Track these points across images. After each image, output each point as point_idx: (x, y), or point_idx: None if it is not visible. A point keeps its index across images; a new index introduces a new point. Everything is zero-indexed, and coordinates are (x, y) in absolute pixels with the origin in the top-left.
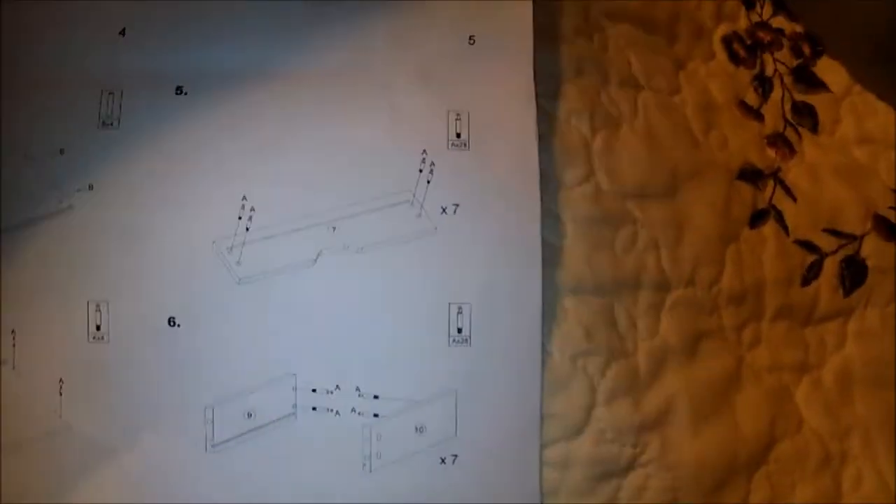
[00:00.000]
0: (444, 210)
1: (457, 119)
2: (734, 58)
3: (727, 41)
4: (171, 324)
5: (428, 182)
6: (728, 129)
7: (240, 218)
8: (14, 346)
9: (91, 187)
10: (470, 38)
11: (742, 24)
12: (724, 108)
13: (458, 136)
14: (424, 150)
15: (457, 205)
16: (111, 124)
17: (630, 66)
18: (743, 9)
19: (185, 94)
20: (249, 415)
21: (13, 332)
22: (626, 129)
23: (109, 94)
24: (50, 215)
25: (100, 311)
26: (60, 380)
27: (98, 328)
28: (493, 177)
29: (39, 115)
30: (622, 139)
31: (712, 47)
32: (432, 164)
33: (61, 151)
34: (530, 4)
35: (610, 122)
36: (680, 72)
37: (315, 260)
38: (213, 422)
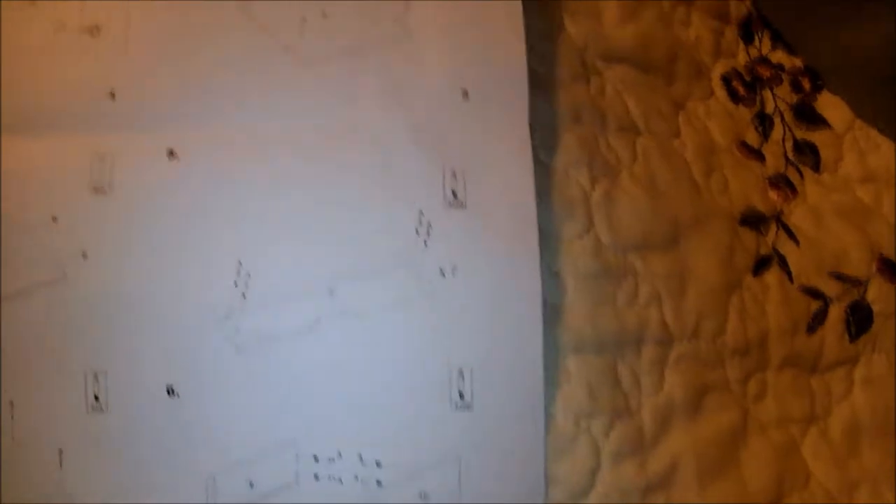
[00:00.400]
0: (442, 272)
1: (453, 177)
2: (734, 96)
3: (726, 79)
4: (171, 393)
5: (425, 244)
6: (729, 172)
7: (236, 284)
8: (13, 417)
9: (85, 255)
10: (463, 92)
11: (741, 59)
12: (724, 149)
13: (455, 194)
14: (420, 211)
15: (455, 266)
16: (103, 190)
17: (628, 109)
18: (741, 43)
19: (177, 157)
20: (251, 484)
21: (11, 402)
22: (626, 178)
23: (101, 158)
24: (44, 284)
25: (98, 380)
26: (60, 451)
27: (97, 398)
28: (491, 236)
29: (31, 184)
30: (622, 189)
31: (711, 85)
32: (429, 224)
33: (54, 219)
34: (524, 53)
35: (609, 171)
36: (679, 113)
37: (314, 326)
38: (214, 491)
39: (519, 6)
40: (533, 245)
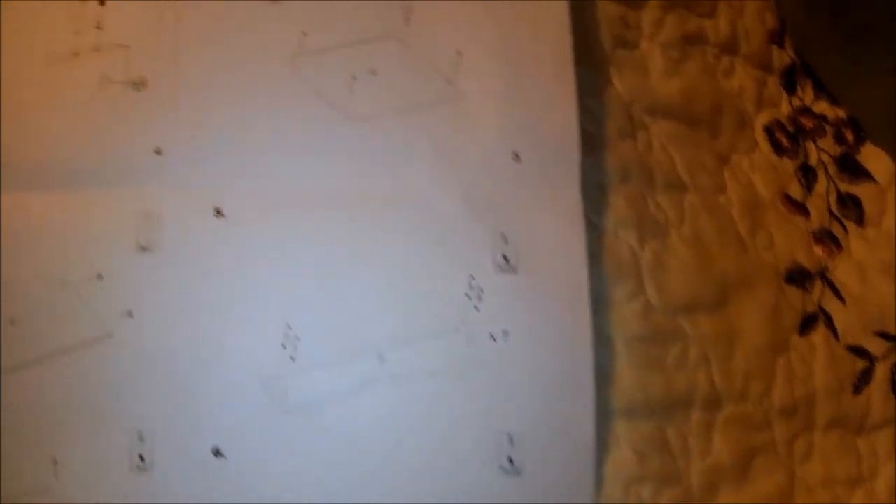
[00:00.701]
0: (493, 337)
1: (504, 241)
2: (777, 147)
3: (769, 130)
4: (217, 454)
5: (476, 308)
6: (774, 228)
7: (284, 346)
8: (55, 474)
9: (130, 314)
10: (515, 155)
11: (784, 109)
12: (769, 203)
13: (506, 259)
14: (471, 275)
15: (506, 331)
16: (149, 248)
17: (675, 165)
18: (784, 93)
19: (224, 216)
20: None
21: (55, 460)
22: (675, 237)
23: (146, 215)
24: (89, 342)
25: (142, 440)
26: None
27: (141, 458)
28: (542, 301)
29: (76, 240)
30: (671, 249)
31: (755, 137)
32: (480, 289)
33: (99, 276)
34: (576, 113)
35: (658, 231)
36: (724, 167)
37: (362, 390)
38: None
39: (570, 64)
40: (584, 310)
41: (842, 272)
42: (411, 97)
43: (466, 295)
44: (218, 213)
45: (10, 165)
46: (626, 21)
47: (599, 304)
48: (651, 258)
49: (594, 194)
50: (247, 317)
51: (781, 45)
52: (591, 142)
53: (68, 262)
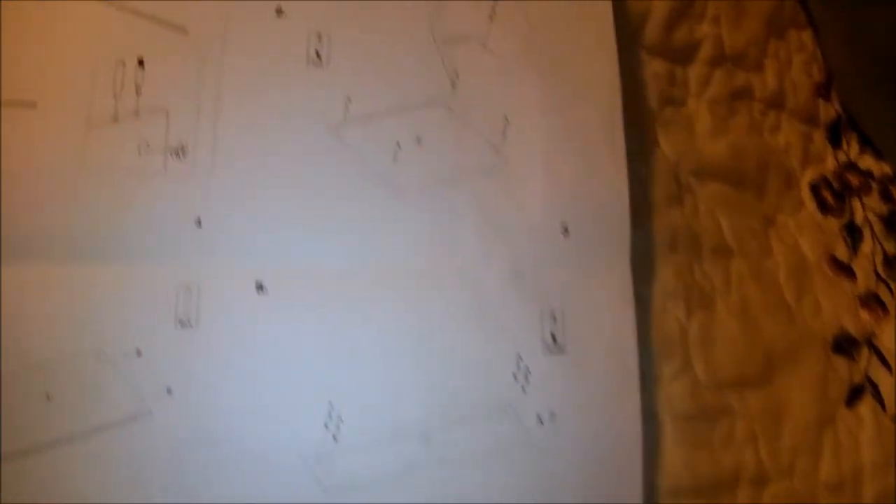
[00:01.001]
0: (540, 419)
1: (552, 319)
2: (822, 206)
3: (815, 188)
4: None
5: (523, 389)
6: (820, 293)
7: (327, 426)
8: None
9: (170, 390)
10: (563, 228)
11: (829, 164)
12: (815, 266)
13: (554, 338)
14: (519, 355)
15: (553, 413)
16: (188, 323)
17: (721, 230)
18: (830, 148)
19: (266, 291)
20: None
21: None
22: (721, 308)
23: (186, 289)
24: (128, 419)
25: None
26: None
27: None
28: (590, 382)
29: (114, 314)
30: (718, 321)
31: (801, 196)
32: (527, 369)
33: (138, 352)
34: (626, 183)
35: (705, 302)
36: (770, 229)
37: (407, 473)
38: None
39: (620, 129)
40: (634, 391)
41: (888, 338)
42: (457, 166)
43: (514, 375)
44: (259, 287)
45: (48, 235)
46: (673, 78)
47: (646, 380)
48: (698, 332)
49: (641, 265)
50: (288, 395)
51: (828, 98)
52: (638, 209)
53: (106, 335)
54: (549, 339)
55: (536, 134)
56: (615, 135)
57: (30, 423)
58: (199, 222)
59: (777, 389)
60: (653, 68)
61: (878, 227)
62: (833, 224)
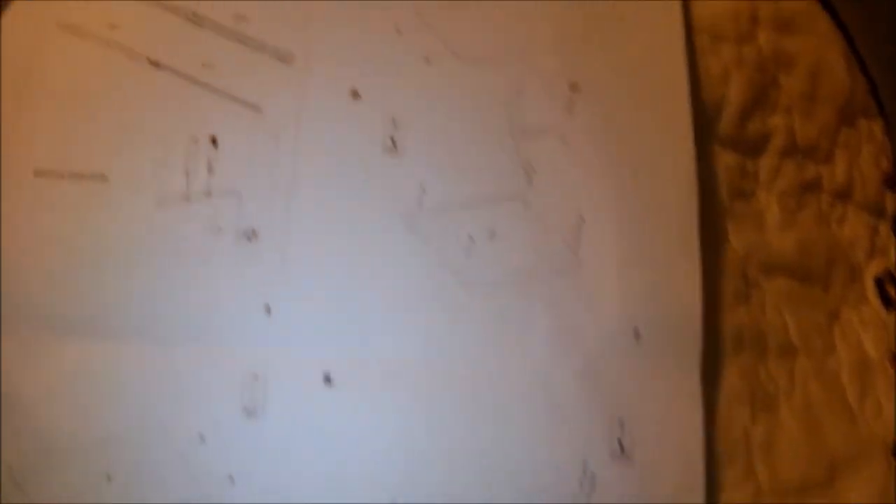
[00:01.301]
0: None
1: (620, 426)
2: (886, 301)
3: (879, 283)
4: None
5: (588, 498)
6: (883, 394)
7: None
8: None
9: (232, 480)
10: (635, 332)
11: (893, 257)
12: (877, 365)
13: (621, 445)
14: (585, 462)
15: None
16: (254, 412)
17: (787, 328)
18: (893, 238)
19: (334, 383)
20: None
21: None
22: (785, 411)
23: (254, 377)
24: None
25: None
26: None
27: None
28: (654, 491)
29: (179, 398)
30: (782, 425)
31: (864, 290)
32: (593, 477)
33: (201, 438)
34: (699, 288)
35: (769, 404)
36: (834, 324)
37: None
38: None
39: (696, 230)
40: (699, 500)
41: None
42: (531, 264)
43: (579, 482)
44: (328, 380)
45: (113, 313)
46: (744, 170)
47: (709, 488)
48: (762, 436)
49: (707, 368)
50: (350, 491)
51: (895, 190)
52: (706, 308)
53: (170, 419)
54: (616, 446)
55: (611, 235)
56: (690, 237)
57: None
58: (268, 309)
59: (839, 494)
60: (724, 161)
61: None
62: None
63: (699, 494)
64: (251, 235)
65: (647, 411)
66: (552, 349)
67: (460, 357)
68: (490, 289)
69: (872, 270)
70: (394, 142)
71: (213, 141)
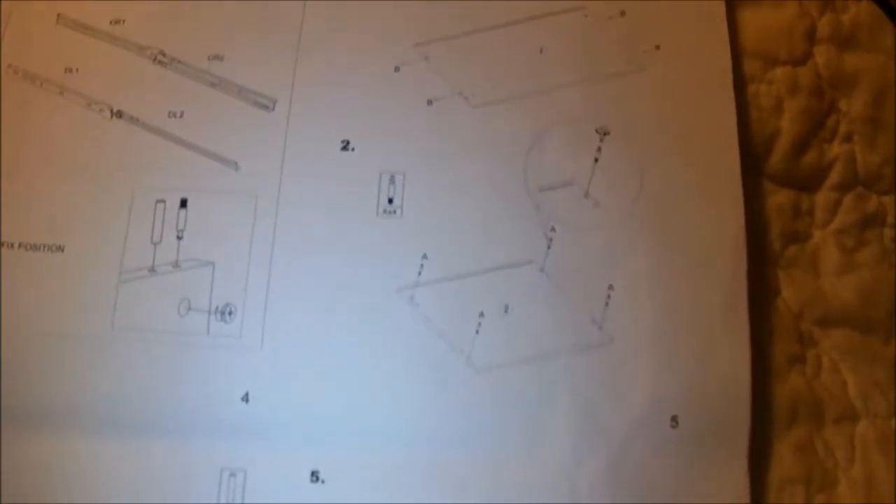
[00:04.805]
0: None
1: None
2: None
3: None
4: None
5: None
6: None
7: None
8: None
9: None
10: (672, 420)
11: None
12: None
13: None
14: None
15: None
16: None
17: (846, 389)
18: None
19: (322, 481)
20: None
21: None
22: (844, 488)
23: (231, 475)
24: None
25: None
26: None
27: None
28: None
29: (147, 497)
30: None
31: None
32: None
33: None
34: (748, 366)
35: (826, 482)
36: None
37: None
38: None
39: (744, 301)
40: None
41: None
42: (550, 342)
43: None
44: (315, 477)
45: (71, 403)
46: (798, 209)
47: None
48: None
49: (755, 449)
50: None
51: None
52: (755, 382)
53: None
54: None
55: (645, 304)
56: (738, 300)
57: None
58: (246, 398)
59: None
60: (776, 200)
61: None
62: None
63: None
64: (226, 314)
65: None
66: (575, 441)
67: (468, 451)
68: (503, 371)
69: None
70: (391, 201)
71: (183, 203)
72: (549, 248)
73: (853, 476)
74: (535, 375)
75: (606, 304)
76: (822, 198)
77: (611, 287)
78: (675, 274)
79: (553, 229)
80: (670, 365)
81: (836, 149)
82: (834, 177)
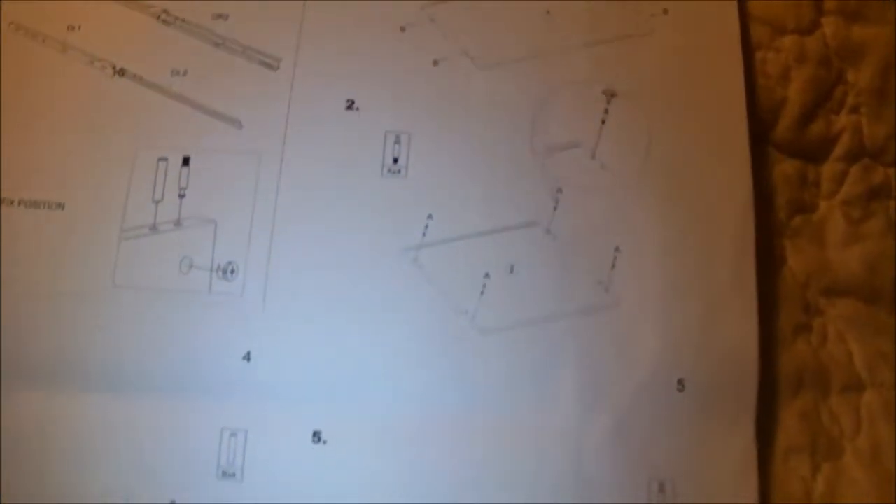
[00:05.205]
0: None
1: (660, 491)
2: None
3: None
4: None
5: None
6: None
7: None
8: None
9: None
10: (679, 382)
11: None
12: None
13: None
14: None
15: None
16: (233, 474)
17: (852, 359)
18: None
19: (324, 442)
20: None
21: None
22: (850, 457)
23: (231, 435)
24: None
25: None
26: None
27: None
28: None
29: (147, 458)
30: (846, 476)
31: None
32: None
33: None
34: (755, 329)
35: (832, 451)
36: None
37: None
38: None
39: (752, 262)
40: None
41: None
42: (556, 303)
43: None
44: (316, 437)
45: (71, 362)
46: (804, 179)
47: None
48: (824, 489)
49: (762, 416)
50: None
51: None
52: (762, 348)
53: (137, 484)
54: None
55: (652, 266)
56: (746, 264)
57: None
58: (248, 357)
59: None
60: (783, 169)
61: None
62: None
63: None
64: (228, 272)
65: (691, 474)
66: (580, 403)
67: (470, 413)
68: (507, 333)
69: None
70: (395, 161)
71: (186, 161)
72: (555, 209)
73: (859, 445)
74: (541, 337)
75: (613, 266)
76: (829, 168)
77: (617, 249)
78: (682, 237)
79: (559, 190)
80: (677, 328)
81: (843, 120)
82: (840, 148)
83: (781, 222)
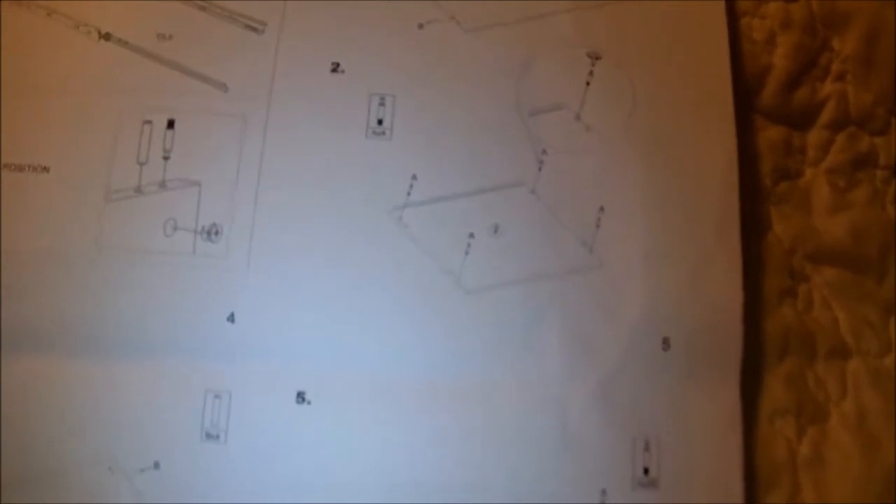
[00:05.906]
0: None
1: (644, 449)
2: None
3: None
4: None
5: None
6: None
7: None
8: None
9: None
10: (663, 341)
11: None
12: None
13: (646, 471)
14: (604, 491)
15: None
16: (217, 436)
17: (838, 325)
18: None
19: (308, 402)
20: None
21: None
22: (836, 422)
23: (215, 397)
24: None
25: None
26: None
27: None
28: None
29: (130, 420)
30: (832, 439)
31: None
32: None
33: (156, 465)
34: (740, 288)
35: (818, 415)
36: (890, 319)
37: None
38: None
39: (736, 222)
40: None
41: None
42: (540, 263)
43: None
44: (301, 398)
45: (54, 324)
46: (790, 146)
47: None
48: (810, 453)
49: (747, 378)
50: None
51: None
52: (746, 310)
53: (121, 445)
54: (640, 472)
55: (637, 228)
56: (730, 226)
57: None
58: (232, 318)
59: None
60: (768, 136)
61: None
62: None
63: None
64: (212, 233)
65: (676, 431)
66: (566, 362)
67: (455, 372)
68: (492, 293)
69: None
70: (380, 123)
71: (171, 124)
72: (539, 170)
73: (845, 410)
74: (526, 297)
75: (597, 226)
76: (815, 136)
77: (601, 210)
78: (667, 198)
79: (544, 152)
80: (661, 287)
81: (828, 87)
82: (826, 115)
83: (766, 188)
